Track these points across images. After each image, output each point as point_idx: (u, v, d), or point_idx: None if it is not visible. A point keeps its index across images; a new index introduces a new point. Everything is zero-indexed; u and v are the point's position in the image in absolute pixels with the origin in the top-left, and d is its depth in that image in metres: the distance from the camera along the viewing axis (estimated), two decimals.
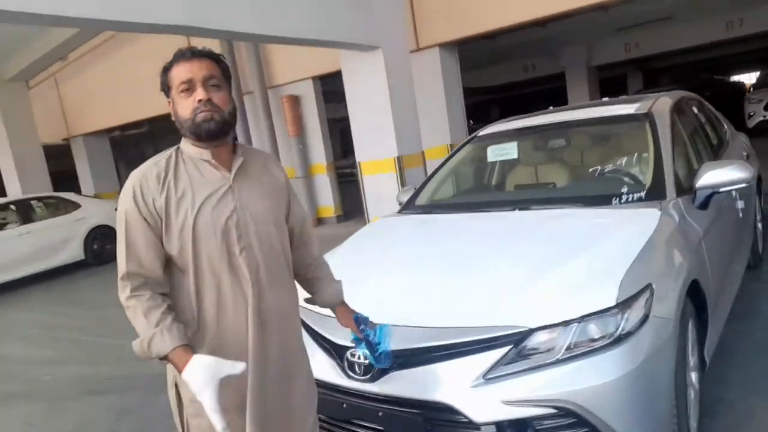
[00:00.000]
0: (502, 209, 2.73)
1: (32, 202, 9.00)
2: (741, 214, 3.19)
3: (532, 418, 1.66)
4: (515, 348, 1.72)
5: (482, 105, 21.07)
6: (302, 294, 1.76)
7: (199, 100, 1.43)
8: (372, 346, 1.74)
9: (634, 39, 13.87)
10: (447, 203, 3.09)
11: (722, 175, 2.46)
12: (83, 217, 9.10)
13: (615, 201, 2.48)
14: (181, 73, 1.45)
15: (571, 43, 14.08)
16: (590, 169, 2.88)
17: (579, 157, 3.10)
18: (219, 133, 1.47)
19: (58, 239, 8.67)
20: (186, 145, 1.51)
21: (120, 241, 1.43)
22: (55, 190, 10.94)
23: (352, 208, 9.73)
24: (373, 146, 6.95)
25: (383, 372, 1.82)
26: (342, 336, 1.93)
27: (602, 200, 2.52)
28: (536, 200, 2.74)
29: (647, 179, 2.56)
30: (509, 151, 3.22)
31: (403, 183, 6.73)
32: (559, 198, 2.74)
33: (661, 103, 3.01)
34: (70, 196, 9.50)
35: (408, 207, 3.20)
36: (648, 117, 2.86)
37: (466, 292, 1.94)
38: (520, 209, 2.64)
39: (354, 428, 1.95)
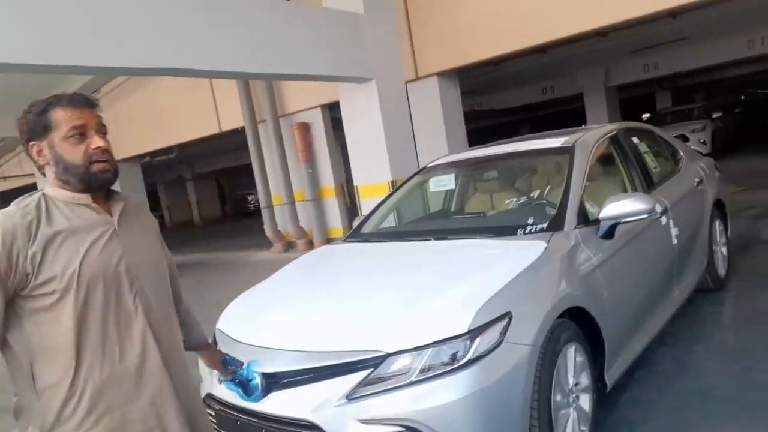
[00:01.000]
0: (423, 238, 2.90)
1: None
2: (675, 240, 3.26)
3: None
4: (375, 371, 1.90)
5: (505, 126, 21.14)
6: None
7: (97, 148, 1.40)
8: (245, 384, 1.94)
9: (652, 59, 13.75)
10: (382, 232, 3.28)
11: (622, 206, 2.58)
12: None
13: (520, 232, 2.63)
14: (71, 118, 1.39)
15: (587, 65, 14.08)
16: (507, 201, 3.03)
17: (507, 187, 3.25)
18: (112, 183, 1.47)
19: None
20: (55, 191, 1.41)
21: None
22: None
23: None
24: (369, 171, 7.22)
25: (266, 392, 2.02)
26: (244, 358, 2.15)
27: (509, 231, 2.67)
28: (453, 230, 2.92)
29: (553, 211, 2.69)
30: (447, 182, 3.41)
31: None
32: (474, 228, 2.90)
33: (588, 137, 3.14)
34: None
35: (352, 235, 3.41)
36: (569, 151, 3.00)
37: (342, 319, 2.14)
38: (436, 239, 2.82)
39: None
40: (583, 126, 3.69)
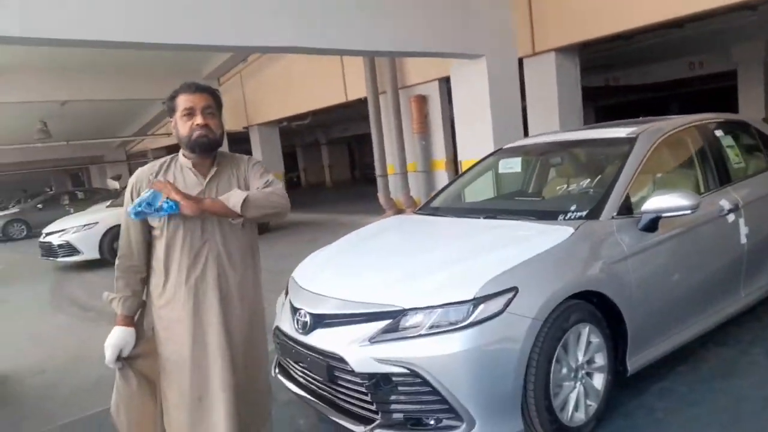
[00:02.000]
0: (475, 216, 3.18)
1: None
2: (744, 240, 3.18)
3: (392, 374, 2.22)
4: (393, 322, 2.29)
5: (647, 103, 19.60)
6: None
7: (198, 124, 1.90)
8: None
9: None
10: (445, 207, 3.58)
11: (664, 201, 2.66)
12: None
13: (561, 217, 2.82)
14: (185, 101, 1.91)
15: (743, 39, 12.61)
16: (560, 186, 3.18)
17: (568, 174, 3.38)
18: (209, 149, 1.97)
19: None
20: (180, 156, 2.02)
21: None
22: None
23: None
24: (473, 147, 7.41)
25: (312, 329, 2.51)
26: (298, 301, 2.67)
27: (551, 215, 2.86)
28: (504, 211, 3.16)
29: (596, 199, 2.83)
30: (513, 165, 3.61)
31: None
32: (522, 210, 3.11)
33: (654, 129, 3.16)
34: None
35: (422, 208, 3.78)
36: (630, 142, 3.07)
37: (377, 277, 2.55)
38: (485, 218, 3.08)
39: (299, 367, 2.68)
40: (667, 116, 3.62)
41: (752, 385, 2.81)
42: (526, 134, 7.77)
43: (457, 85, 7.56)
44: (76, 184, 30.05)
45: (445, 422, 2.20)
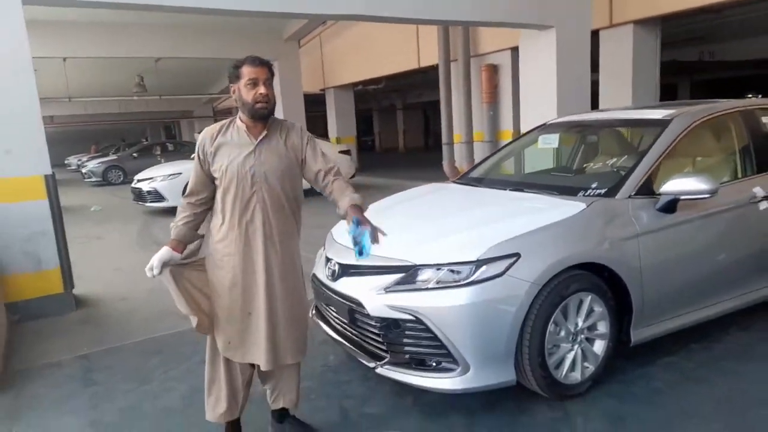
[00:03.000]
0: (504, 188, 3.37)
1: None
2: None
3: (400, 320, 2.53)
4: (406, 275, 2.59)
5: (749, 79, 18.18)
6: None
7: (260, 93, 2.18)
8: (355, 242, 2.36)
9: None
10: (480, 178, 3.76)
11: (683, 184, 2.75)
12: None
13: (581, 193, 2.97)
14: (250, 73, 2.19)
15: None
16: (589, 165, 3.29)
17: (602, 152, 3.47)
18: (267, 116, 2.24)
19: None
20: (238, 118, 2.29)
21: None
22: (310, 131, 13.64)
23: None
24: (535, 120, 7.38)
25: (339, 277, 2.86)
26: (331, 252, 3.02)
27: (572, 191, 3.01)
28: (532, 185, 3.32)
29: (617, 178, 2.95)
30: (552, 141, 3.73)
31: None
32: (547, 185, 3.25)
33: (690, 112, 3.19)
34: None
35: (461, 177, 4.00)
36: (662, 124, 3.12)
37: (399, 235, 2.82)
38: (512, 190, 3.28)
39: (330, 310, 3.05)
40: (713, 100, 3.59)
41: (762, 370, 2.88)
42: (594, 108, 7.64)
43: (525, 56, 7.54)
44: (168, 136, 32.17)
45: (444, 365, 2.49)
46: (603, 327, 2.74)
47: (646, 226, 2.78)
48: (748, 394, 2.67)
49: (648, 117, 3.34)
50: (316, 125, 17.55)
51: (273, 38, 13.05)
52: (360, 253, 2.24)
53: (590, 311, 2.68)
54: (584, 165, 3.48)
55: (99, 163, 18.78)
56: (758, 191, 3.14)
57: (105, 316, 4.52)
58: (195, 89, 20.77)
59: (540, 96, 7.30)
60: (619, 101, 8.17)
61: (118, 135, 31.20)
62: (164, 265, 2.27)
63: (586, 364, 2.71)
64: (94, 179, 18.18)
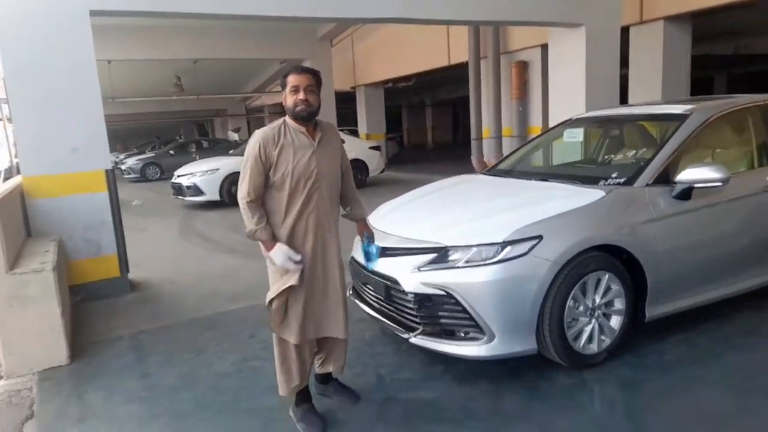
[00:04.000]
0: (530, 178, 3.61)
1: None
2: None
3: (433, 295, 2.80)
4: (437, 255, 2.86)
5: None
6: None
7: (300, 99, 2.42)
8: (366, 252, 2.98)
9: None
10: (508, 170, 4.01)
11: (696, 173, 2.95)
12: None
13: (601, 182, 3.19)
14: (293, 80, 2.44)
15: None
16: (611, 156, 3.50)
17: (624, 145, 3.68)
18: (308, 118, 2.46)
19: None
20: (290, 121, 2.49)
21: (244, 172, 2.42)
22: (340, 127, 14.00)
23: None
24: (564, 115, 7.52)
25: (379, 257, 3.14)
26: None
27: (593, 180, 3.24)
28: (556, 175, 3.55)
29: (636, 168, 3.16)
30: (577, 135, 3.95)
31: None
32: (570, 175, 3.48)
33: (709, 107, 3.37)
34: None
35: (490, 169, 4.24)
36: (681, 118, 3.32)
37: (431, 221, 3.11)
38: (537, 179, 3.51)
39: (366, 289, 3.34)
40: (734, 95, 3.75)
41: (764, 343, 3.07)
42: (623, 103, 7.75)
43: (555, 53, 7.69)
44: (201, 134, 33.02)
45: (472, 334, 2.76)
46: (619, 304, 2.96)
47: (662, 212, 2.99)
48: (752, 364, 2.87)
49: (668, 112, 3.53)
50: (347, 122, 17.90)
51: (306, 38, 13.44)
52: (369, 260, 2.83)
53: (607, 289, 2.91)
54: (607, 157, 3.69)
55: (137, 160, 19.52)
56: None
57: (158, 297, 4.91)
58: (230, 88, 21.36)
59: (569, 92, 7.44)
60: (649, 96, 8.25)
61: (153, 133, 32.20)
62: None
63: (602, 337, 2.94)
64: (132, 175, 18.91)
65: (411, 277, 2.89)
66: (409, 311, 2.94)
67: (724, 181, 2.91)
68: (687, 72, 8.42)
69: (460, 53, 11.64)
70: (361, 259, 3.32)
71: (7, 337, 3.39)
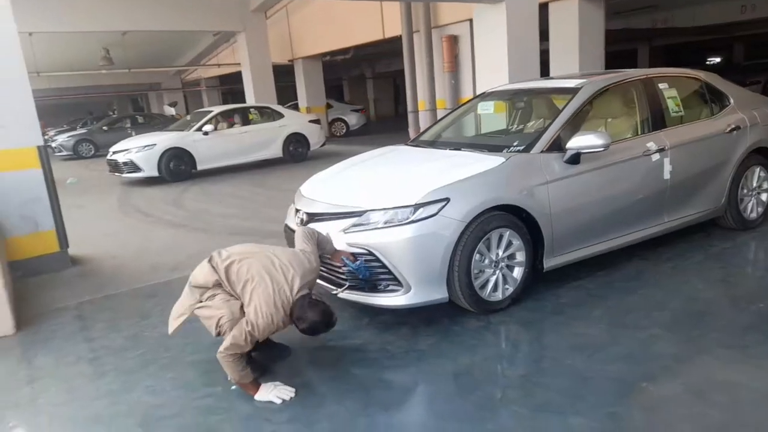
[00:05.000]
0: (444, 147, 4.00)
1: (251, 109, 12.04)
2: (668, 176, 3.88)
3: (356, 254, 3.15)
4: (358, 218, 3.20)
5: (707, 43, 19.07)
6: None
7: None
8: (352, 272, 3.15)
9: None
10: (428, 140, 4.39)
11: (582, 140, 3.40)
12: (285, 125, 11.77)
13: (505, 150, 3.60)
14: None
15: None
16: (517, 126, 3.93)
17: (529, 116, 4.12)
18: None
19: (264, 140, 11.49)
20: None
21: (263, 319, 2.57)
22: (280, 101, 13.98)
23: None
24: (490, 86, 8.00)
25: (306, 224, 3.45)
26: (299, 204, 3.61)
27: (498, 148, 3.66)
28: (467, 144, 3.96)
29: (533, 137, 3.59)
30: (489, 107, 4.36)
31: None
32: (479, 144, 3.90)
33: (597, 81, 3.84)
34: (277, 107, 12.30)
35: (413, 140, 4.60)
36: (573, 91, 3.76)
37: (352, 188, 3.45)
38: (451, 149, 3.90)
39: None
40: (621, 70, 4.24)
41: (642, 286, 3.62)
42: (545, 75, 8.27)
43: (479, 28, 8.08)
44: (136, 109, 31.84)
45: (391, 287, 3.14)
46: (520, 256, 3.41)
47: (555, 175, 3.44)
48: (628, 304, 3.40)
49: (563, 86, 3.98)
50: (287, 95, 17.86)
51: (239, 10, 13.27)
52: (362, 276, 3.07)
53: (509, 244, 3.35)
54: (516, 127, 4.12)
55: (69, 136, 18.77)
56: (651, 145, 3.82)
57: (99, 271, 5.05)
58: (163, 61, 20.75)
59: (493, 65, 7.88)
60: (567, 68, 8.82)
61: (84, 109, 30.80)
62: None
63: (506, 286, 3.39)
64: (64, 153, 18.22)
65: (337, 238, 3.23)
66: (336, 270, 3.29)
67: (605, 147, 3.37)
68: (601, 45, 9.04)
69: (394, 27, 11.89)
70: (293, 225, 3.62)
71: None
